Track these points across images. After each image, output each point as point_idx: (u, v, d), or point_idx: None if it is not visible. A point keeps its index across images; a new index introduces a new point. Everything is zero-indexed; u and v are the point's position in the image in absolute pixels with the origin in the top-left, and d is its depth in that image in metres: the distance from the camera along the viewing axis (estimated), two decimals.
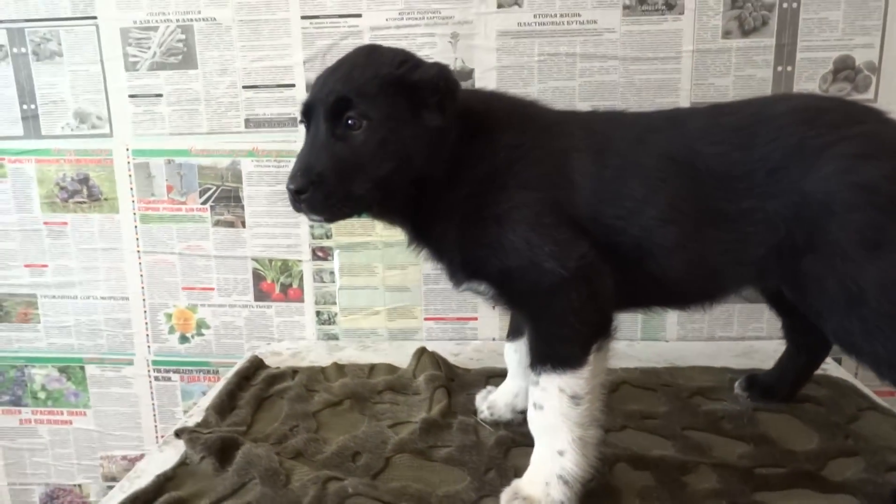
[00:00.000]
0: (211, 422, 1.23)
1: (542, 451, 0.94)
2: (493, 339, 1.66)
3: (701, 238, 0.95)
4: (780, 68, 1.47)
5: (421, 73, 0.94)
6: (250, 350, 1.69)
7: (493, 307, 1.23)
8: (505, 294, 0.98)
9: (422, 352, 1.48)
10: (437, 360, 1.45)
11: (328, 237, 1.65)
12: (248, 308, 1.71)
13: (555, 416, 0.92)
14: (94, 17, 1.59)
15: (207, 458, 1.08)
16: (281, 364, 1.52)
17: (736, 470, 1.04)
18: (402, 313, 1.67)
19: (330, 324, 1.70)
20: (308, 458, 1.10)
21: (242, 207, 1.65)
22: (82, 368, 1.78)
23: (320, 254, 1.66)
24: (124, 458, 1.81)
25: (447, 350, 1.57)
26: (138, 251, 1.69)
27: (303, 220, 1.64)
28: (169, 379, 1.76)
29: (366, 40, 1.53)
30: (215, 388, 1.37)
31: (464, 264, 0.99)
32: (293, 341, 1.70)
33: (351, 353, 1.60)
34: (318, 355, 1.59)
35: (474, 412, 1.25)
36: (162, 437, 1.54)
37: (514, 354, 1.20)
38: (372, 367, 1.49)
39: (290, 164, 1.60)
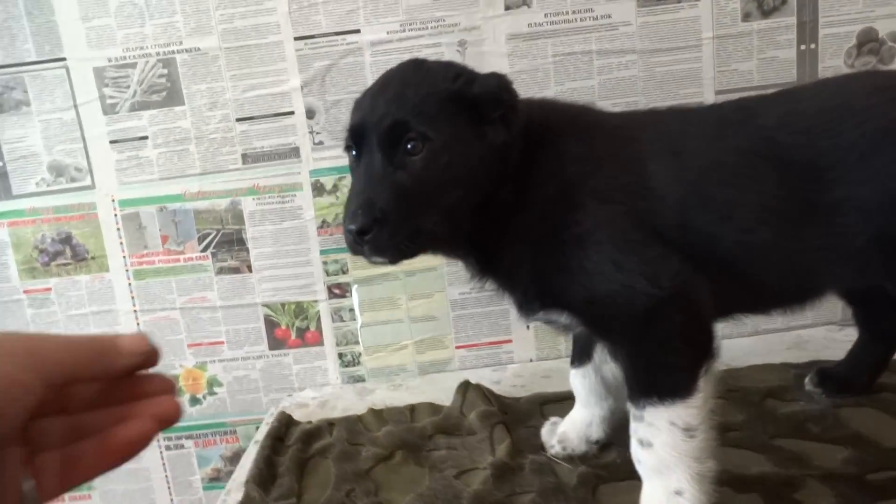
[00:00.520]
0: (255, 497, 1.09)
1: (656, 492, 0.84)
2: (531, 361, 1.56)
3: (795, 236, 0.87)
4: (803, 47, 1.41)
5: (479, 85, 0.85)
6: (269, 404, 1.56)
7: (564, 334, 1.12)
8: (592, 324, 0.88)
9: (466, 385, 1.37)
10: (485, 393, 1.34)
11: (344, 272, 1.53)
12: (263, 358, 1.57)
13: (667, 452, 0.82)
14: (63, 59, 1.44)
15: None
16: (309, 416, 1.39)
17: (847, 480, 0.96)
18: (432, 344, 1.56)
19: (354, 365, 1.57)
20: None
21: (247, 250, 1.52)
22: None
23: (337, 291, 1.54)
24: None
25: (486, 378, 1.46)
26: (135, 311, 1.54)
27: (315, 258, 1.51)
28: (182, 446, 1.60)
29: (367, 57, 1.43)
30: (248, 456, 1.24)
31: (541, 294, 0.89)
32: (317, 389, 1.56)
33: (383, 395, 1.48)
34: (349, 401, 1.46)
35: (541, 447, 1.15)
36: None
37: (583, 380, 1.10)
38: (412, 409, 1.37)
39: (295, 199, 1.49)
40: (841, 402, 1.17)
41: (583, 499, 0.99)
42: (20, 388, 0.41)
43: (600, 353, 1.08)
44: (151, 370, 0.52)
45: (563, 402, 1.31)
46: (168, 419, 0.51)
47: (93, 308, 1.54)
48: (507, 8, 1.40)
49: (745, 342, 1.52)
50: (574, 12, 1.40)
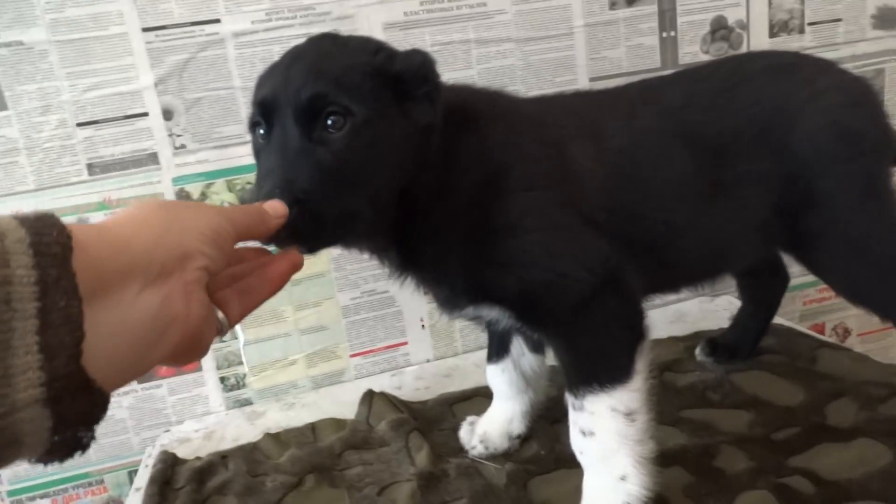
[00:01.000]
0: None
1: (601, 480, 0.83)
2: (429, 361, 1.51)
3: (707, 212, 0.90)
4: (664, 34, 1.48)
5: (402, 61, 0.78)
6: (143, 443, 1.38)
7: (484, 330, 1.08)
8: (526, 316, 0.84)
9: (370, 395, 1.29)
10: (392, 401, 1.27)
11: None
12: (131, 394, 1.38)
13: (611, 439, 0.81)
14: None
15: None
16: (196, 451, 1.24)
17: (756, 442, 1.01)
18: (324, 356, 1.46)
19: (239, 388, 1.43)
20: None
21: None
22: None
23: None
24: None
25: (386, 384, 1.40)
26: None
27: None
28: None
29: (230, 49, 1.29)
30: None
31: (470, 289, 0.84)
32: (199, 420, 1.40)
33: (276, 417, 1.36)
34: (238, 429, 1.33)
35: (461, 450, 1.11)
36: None
37: (502, 375, 1.07)
38: (314, 428, 1.27)
39: None
40: (732, 368, 1.25)
41: (516, 497, 0.97)
42: (207, 259, 0.54)
43: (518, 346, 1.06)
44: None
45: (471, 399, 1.28)
46: (298, 263, 0.67)
47: None
48: None
49: None
50: (449, 0, 1.36)
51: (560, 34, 1.43)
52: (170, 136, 1.30)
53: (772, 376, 1.20)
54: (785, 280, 1.24)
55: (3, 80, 1.22)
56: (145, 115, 1.29)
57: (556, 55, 1.44)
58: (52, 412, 0.41)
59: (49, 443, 0.43)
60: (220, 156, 1.33)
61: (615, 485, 0.81)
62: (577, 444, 0.84)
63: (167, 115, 1.29)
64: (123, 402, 1.38)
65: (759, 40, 1.53)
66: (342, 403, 1.33)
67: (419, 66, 0.78)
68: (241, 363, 1.42)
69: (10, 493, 1.36)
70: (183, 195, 1.32)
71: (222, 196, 1.34)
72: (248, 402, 1.44)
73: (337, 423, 1.27)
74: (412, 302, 1.46)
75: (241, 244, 0.62)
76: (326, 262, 1.41)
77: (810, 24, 1.55)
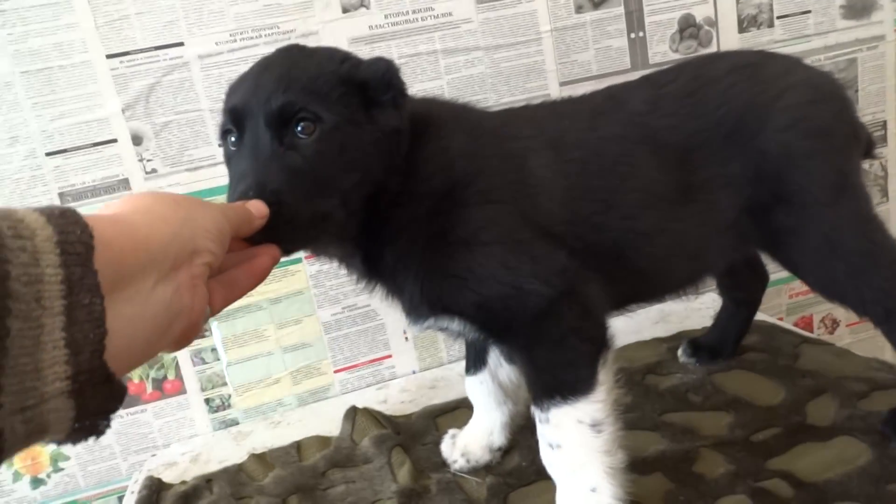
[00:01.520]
0: None
1: (571, 493, 0.82)
2: (414, 373, 1.51)
3: (676, 217, 0.90)
4: (633, 35, 1.48)
5: (368, 68, 0.80)
6: (131, 469, 1.38)
7: (457, 340, 1.08)
8: (485, 328, 0.84)
9: (354, 411, 1.29)
10: (375, 416, 1.27)
11: None
12: (116, 419, 1.37)
13: (578, 451, 0.80)
14: None
15: None
16: (182, 475, 1.24)
17: (736, 444, 1.01)
18: (308, 373, 1.46)
19: (225, 409, 1.43)
20: None
21: None
22: None
23: None
24: None
25: (371, 399, 1.39)
26: None
27: None
28: None
29: (196, 72, 1.28)
30: None
31: (430, 299, 0.84)
32: (185, 442, 1.40)
33: (262, 436, 1.36)
34: (225, 450, 1.33)
35: (443, 464, 1.11)
36: None
37: (480, 386, 1.07)
38: (298, 446, 1.26)
39: None
40: (714, 368, 1.24)
41: None
42: (211, 255, 0.58)
43: (495, 358, 1.05)
44: None
45: (455, 411, 1.28)
46: (277, 257, 0.70)
47: None
48: (345, 10, 1.33)
49: (616, 322, 1.57)
50: (414, 12, 1.36)
51: (528, 40, 1.42)
52: (140, 161, 1.30)
53: (753, 375, 1.20)
54: (764, 279, 1.24)
55: None
56: (114, 141, 1.28)
57: (526, 61, 1.43)
58: (76, 403, 0.44)
59: (70, 430, 0.45)
60: (191, 178, 1.32)
61: (586, 497, 0.81)
62: (546, 457, 0.84)
63: (136, 140, 1.29)
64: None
65: (728, 36, 1.52)
66: (328, 420, 1.33)
67: (383, 73, 0.80)
68: (225, 384, 1.42)
69: None
70: None
71: None
72: (234, 423, 1.44)
73: (321, 441, 1.26)
74: (394, 314, 1.45)
75: None
76: (305, 280, 1.41)
77: (779, 17, 1.54)
